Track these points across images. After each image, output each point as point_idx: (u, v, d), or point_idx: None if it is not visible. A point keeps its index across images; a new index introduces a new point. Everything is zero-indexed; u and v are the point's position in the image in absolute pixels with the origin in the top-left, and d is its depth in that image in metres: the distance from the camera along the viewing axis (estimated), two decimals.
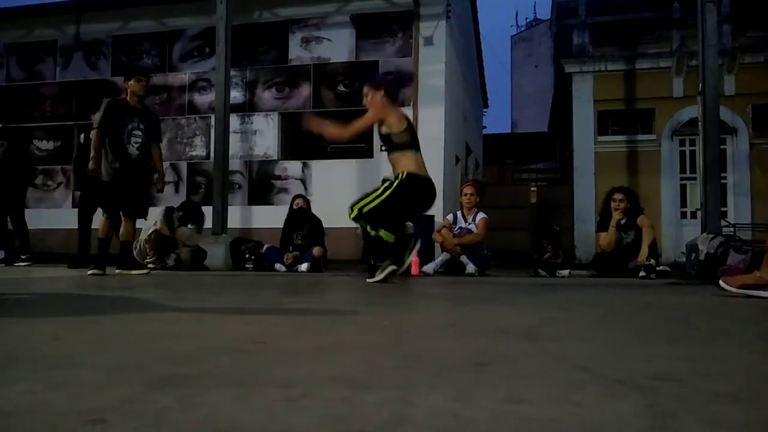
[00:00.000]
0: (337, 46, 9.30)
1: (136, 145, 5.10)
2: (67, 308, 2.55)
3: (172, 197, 8.79)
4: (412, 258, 4.44)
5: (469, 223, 6.02)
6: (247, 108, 9.56)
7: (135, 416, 0.82)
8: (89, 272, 4.85)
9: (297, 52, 9.48)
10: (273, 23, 9.62)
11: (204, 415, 0.82)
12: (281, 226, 6.74)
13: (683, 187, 11.15)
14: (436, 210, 7.58)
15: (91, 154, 4.94)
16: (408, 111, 8.83)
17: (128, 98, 5.16)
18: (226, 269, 6.71)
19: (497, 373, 1.14)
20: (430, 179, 4.32)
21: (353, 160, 9.06)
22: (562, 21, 15.27)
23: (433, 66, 8.89)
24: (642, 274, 5.31)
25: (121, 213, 5.13)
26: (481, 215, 6.01)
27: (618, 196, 5.84)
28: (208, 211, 7.19)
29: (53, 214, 9.33)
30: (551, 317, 2.27)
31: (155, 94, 9.41)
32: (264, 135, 9.49)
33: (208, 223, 7.10)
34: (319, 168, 9.26)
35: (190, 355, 1.32)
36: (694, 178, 10.38)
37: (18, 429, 0.77)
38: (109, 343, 1.54)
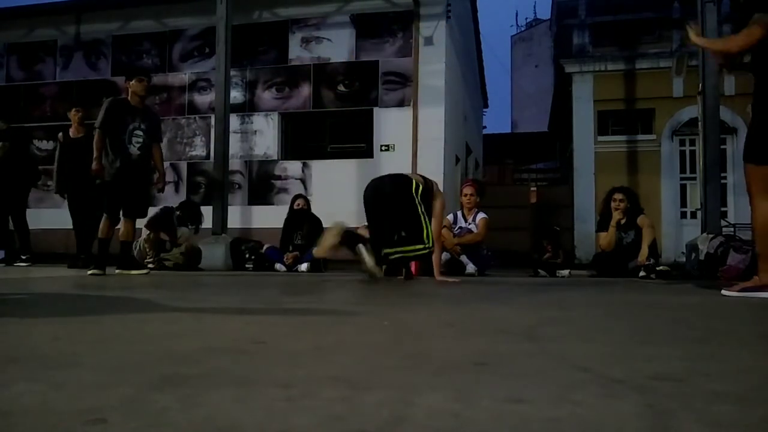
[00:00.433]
0: (337, 46, 9.30)
1: (137, 145, 5.10)
2: (67, 308, 2.55)
3: (173, 197, 8.79)
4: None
5: (470, 223, 6.02)
6: (247, 108, 9.56)
7: (135, 416, 0.82)
8: (89, 272, 4.85)
9: (297, 52, 9.48)
10: (273, 23, 9.62)
11: (204, 415, 0.82)
12: (281, 226, 6.74)
13: (683, 187, 11.15)
14: None
15: (94, 155, 4.94)
16: (408, 111, 8.86)
17: (129, 98, 5.16)
18: (226, 269, 6.71)
19: (497, 373, 1.14)
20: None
21: (353, 160, 9.06)
22: (562, 21, 15.26)
23: (433, 66, 8.89)
24: (642, 274, 5.31)
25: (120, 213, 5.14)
26: (481, 215, 6.01)
27: (618, 196, 5.84)
28: (208, 211, 7.20)
29: (53, 214, 9.31)
30: (551, 317, 2.27)
31: (155, 94, 9.41)
32: (264, 135, 9.49)
33: (208, 223, 7.10)
34: (319, 168, 9.26)
35: (190, 355, 1.32)
36: (694, 178, 10.37)
37: (18, 429, 0.77)
38: (109, 343, 1.54)
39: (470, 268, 5.75)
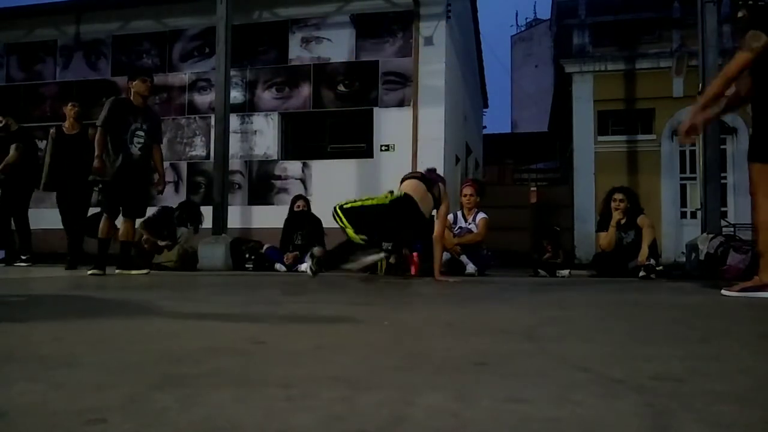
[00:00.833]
0: (337, 46, 9.30)
1: (139, 146, 5.10)
2: (67, 308, 2.55)
3: (173, 197, 8.79)
4: (374, 259, 4.67)
5: (470, 223, 6.02)
6: (247, 108, 9.56)
7: (135, 416, 0.82)
8: (89, 272, 4.85)
9: (297, 52, 9.48)
10: (273, 23, 9.62)
11: (204, 415, 0.82)
12: (281, 226, 6.74)
13: (683, 187, 11.15)
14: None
15: (96, 152, 4.93)
16: (408, 111, 8.86)
17: (132, 98, 5.16)
18: (226, 269, 6.71)
19: (497, 373, 1.14)
20: (421, 212, 4.59)
21: (353, 160, 9.06)
22: (562, 21, 15.25)
23: (433, 66, 8.88)
24: (642, 274, 5.31)
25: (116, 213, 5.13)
26: (481, 215, 6.01)
27: (618, 196, 5.84)
28: (208, 211, 7.19)
29: (54, 214, 9.29)
30: (551, 317, 2.27)
31: (155, 94, 9.40)
32: (264, 135, 9.49)
33: (208, 223, 7.09)
34: (319, 168, 9.25)
35: (190, 355, 1.32)
36: (694, 178, 10.37)
37: (18, 429, 0.77)
38: (109, 343, 1.54)
39: (470, 268, 5.75)
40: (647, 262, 5.39)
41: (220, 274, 5.97)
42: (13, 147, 6.68)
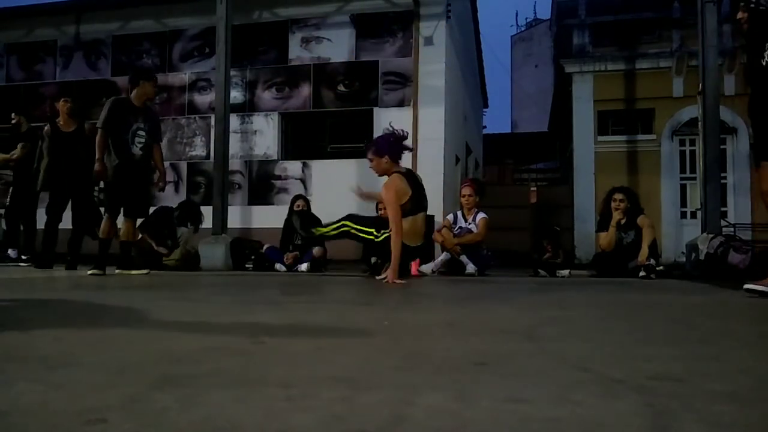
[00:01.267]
0: (337, 46, 9.30)
1: (140, 146, 5.09)
2: (67, 309, 2.55)
3: (173, 197, 8.79)
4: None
5: (469, 223, 6.02)
6: (247, 108, 9.56)
7: (135, 416, 0.82)
8: (89, 272, 4.85)
9: (297, 52, 9.48)
10: (273, 23, 9.62)
11: (204, 415, 0.82)
12: (281, 226, 6.74)
13: (683, 187, 11.15)
14: (436, 210, 7.61)
15: (97, 155, 4.90)
16: (408, 111, 8.85)
17: (133, 98, 5.14)
18: (226, 269, 6.71)
19: (497, 373, 1.14)
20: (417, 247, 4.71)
21: (353, 160, 9.05)
22: (562, 21, 15.25)
23: (433, 66, 8.88)
24: (642, 274, 5.31)
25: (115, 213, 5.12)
26: (481, 215, 6.01)
27: (618, 196, 5.84)
28: (208, 211, 7.19)
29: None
30: (551, 317, 2.27)
31: (156, 94, 9.41)
32: (264, 135, 9.49)
33: (208, 223, 7.09)
34: (319, 168, 9.26)
35: (190, 355, 1.32)
36: (694, 178, 10.37)
37: (18, 429, 0.77)
38: (109, 343, 1.54)
39: (470, 268, 5.75)
40: (647, 262, 5.39)
41: (220, 274, 5.97)
42: (20, 145, 6.68)
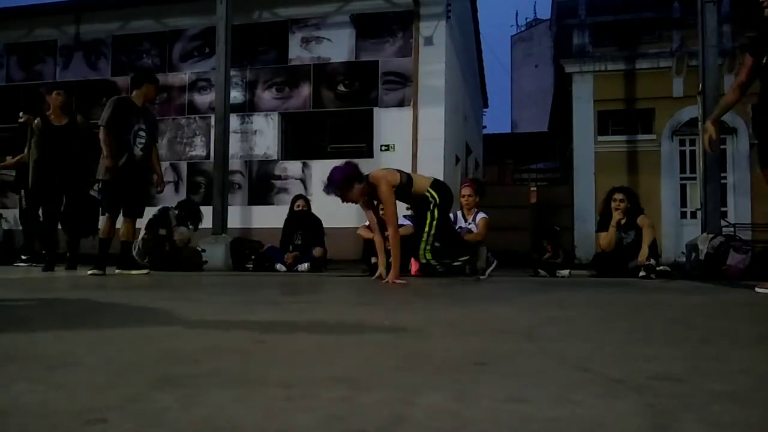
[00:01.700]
0: (337, 46, 9.30)
1: (141, 146, 5.09)
2: (67, 309, 2.55)
3: (173, 197, 8.79)
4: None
5: (470, 223, 6.01)
6: (247, 108, 9.56)
7: (135, 416, 0.82)
8: (89, 272, 4.85)
9: (297, 52, 9.48)
10: (273, 23, 9.62)
11: (204, 415, 0.82)
12: (281, 226, 6.74)
13: (683, 187, 11.14)
14: None
15: (104, 153, 4.90)
16: (408, 111, 8.86)
17: (134, 98, 5.15)
18: (226, 269, 6.71)
19: (497, 373, 1.14)
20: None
21: (353, 160, 9.05)
22: (562, 21, 15.25)
23: (433, 66, 8.89)
24: (642, 274, 5.31)
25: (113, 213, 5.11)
26: (481, 215, 6.01)
27: (618, 196, 5.84)
28: (208, 211, 7.19)
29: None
30: (551, 317, 2.27)
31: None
32: (264, 135, 9.49)
33: (208, 223, 7.08)
34: (319, 168, 9.25)
35: (190, 355, 1.32)
36: (694, 178, 10.37)
37: (18, 429, 0.77)
38: (109, 343, 1.54)
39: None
40: (647, 262, 5.39)
41: (220, 274, 5.97)
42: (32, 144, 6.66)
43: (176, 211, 6.68)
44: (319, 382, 1.04)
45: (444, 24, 8.95)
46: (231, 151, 8.22)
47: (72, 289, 3.54)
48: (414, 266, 5.51)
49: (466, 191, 6.08)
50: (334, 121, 9.77)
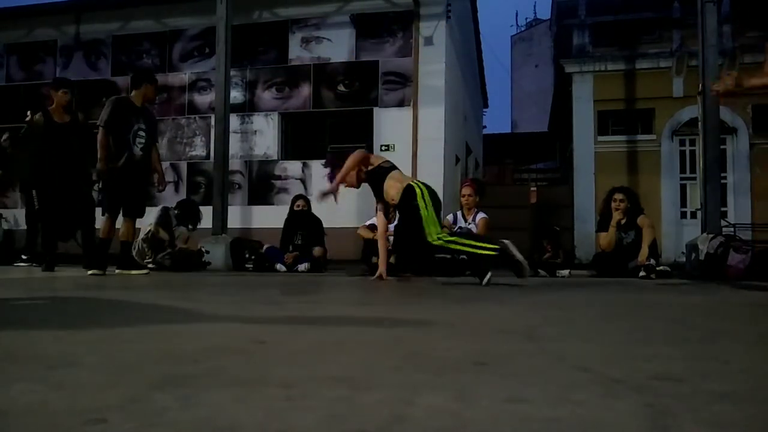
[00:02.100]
0: (337, 46, 9.31)
1: (140, 146, 5.09)
2: (67, 308, 2.55)
3: (172, 197, 8.79)
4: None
5: (470, 223, 6.01)
6: (247, 108, 9.56)
7: (135, 416, 0.82)
8: (89, 272, 4.85)
9: (297, 52, 9.48)
10: (273, 23, 9.63)
11: (204, 415, 0.82)
12: (281, 226, 6.74)
13: (683, 187, 11.14)
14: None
15: (100, 155, 4.89)
16: (408, 111, 8.86)
17: (133, 98, 5.14)
18: (226, 269, 6.71)
19: (497, 373, 1.14)
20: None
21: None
22: (562, 21, 15.25)
23: (433, 66, 8.89)
24: (642, 274, 5.31)
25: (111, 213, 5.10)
26: (481, 215, 6.01)
27: (618, 196, 5.84)
28: (208, 211, 7.19)
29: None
30: (551, 317, 2.27)
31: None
32: (264, 135, 9.49)
33: (208, 223, 7.08)
34: (319, 168, 9.21)
35: (190, 355, 1.32)
36: (694, 178, 10.37)
37: (18, 429, 0.77)
38: (109, 343, 1.54)
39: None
40: (647, 262, 5.39)
41: (220, 274, 5.97)
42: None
43: (176, 211, 6.69)
44: (319, 382, 1.04)
45: (444, 24, 8.95)
46: (231, 151, 8.23)
47: (72, 289, 3.54)
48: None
49: (466, 191, 6.08)
50: (334, 121, 9.77)
